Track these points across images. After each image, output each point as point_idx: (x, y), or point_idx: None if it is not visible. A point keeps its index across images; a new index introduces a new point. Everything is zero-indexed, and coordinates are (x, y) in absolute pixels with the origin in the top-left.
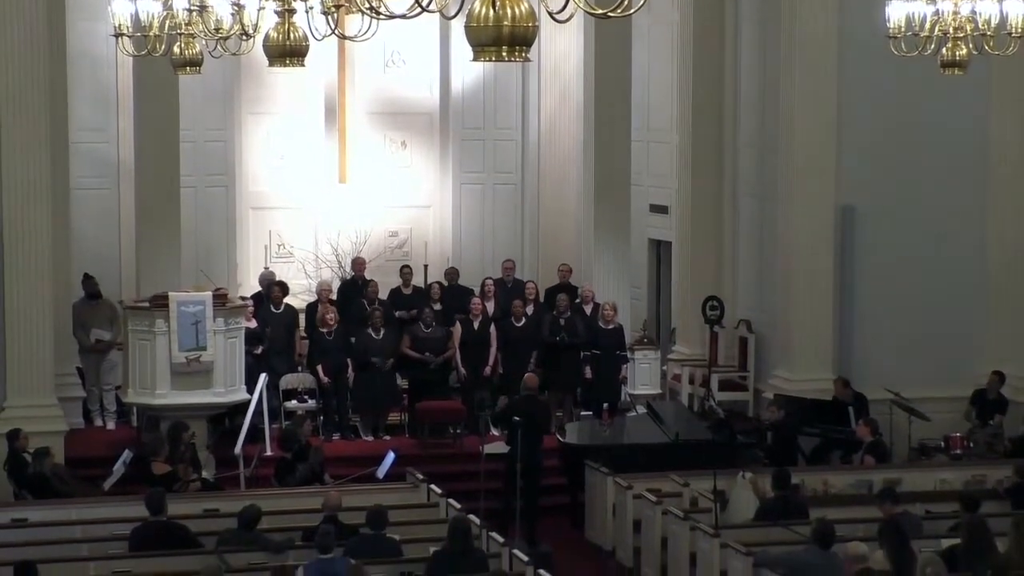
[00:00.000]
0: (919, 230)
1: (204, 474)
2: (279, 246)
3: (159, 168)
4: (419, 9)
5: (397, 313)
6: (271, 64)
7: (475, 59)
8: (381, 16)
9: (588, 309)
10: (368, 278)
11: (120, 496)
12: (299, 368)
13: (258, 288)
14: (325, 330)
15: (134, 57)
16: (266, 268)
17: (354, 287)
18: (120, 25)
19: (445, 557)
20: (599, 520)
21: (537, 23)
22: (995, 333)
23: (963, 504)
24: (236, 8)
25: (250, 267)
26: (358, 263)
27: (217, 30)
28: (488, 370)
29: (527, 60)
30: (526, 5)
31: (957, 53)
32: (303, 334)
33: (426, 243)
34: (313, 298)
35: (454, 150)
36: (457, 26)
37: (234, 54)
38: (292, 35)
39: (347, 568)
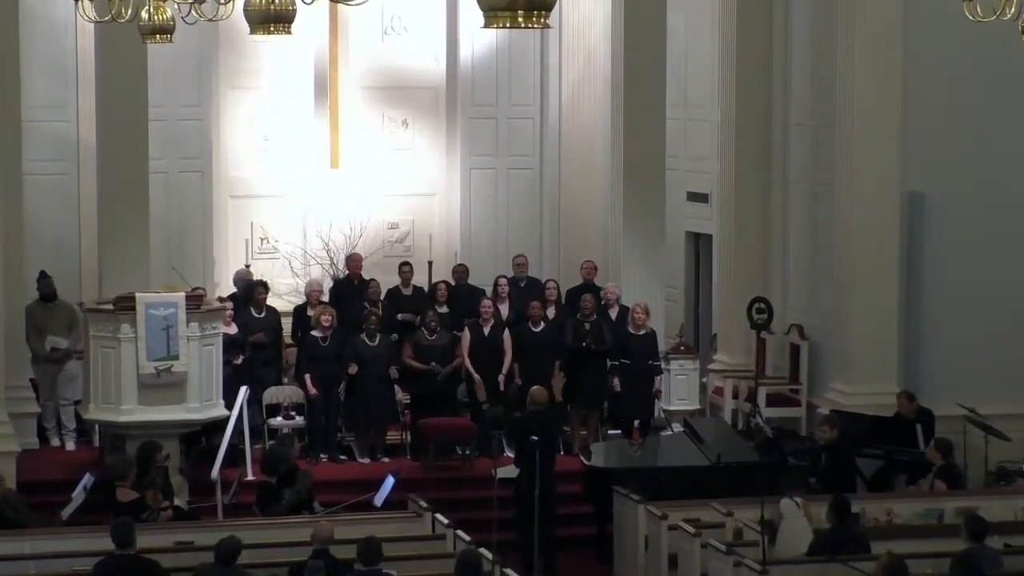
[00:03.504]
0: (997, 220)
1: (177, 501)
2: (262, 240)
3: (125, 150)
4: None
5: (400, 316)
6: (253, 31)
7: (487, 26)
8: None
9: (613, 313)
10: (366, 277)
11: (81, 527)
12: (285, 380)
13: (234, 288)
14: (319, 334)
15: (96, 23)
16: (245, 266)
17: (349, 287)
18: None
19: None
20: (629, 554)
21: None
22: None
23: None
24: None
25: (229, 264)
26: (353, 260)
27: None
28: (502, 380)
29: (547, 27)
30: None
31: None
32: (290, 341)
33: (430, 236)
34: (301, 300)
35: (462, 130)
36: None
37: (211, 20)
38: None
39: None
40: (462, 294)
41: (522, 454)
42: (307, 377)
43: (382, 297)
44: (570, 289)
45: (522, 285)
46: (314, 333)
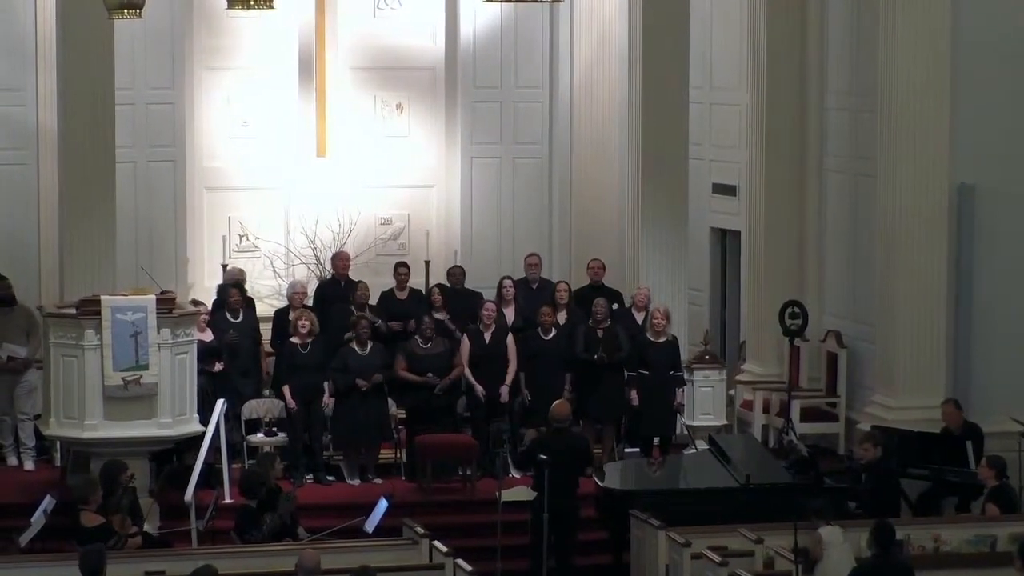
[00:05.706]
0: None
1: (146, 527)
2: (241, 237)
3: (89, 138)
4: None
5: (390, 324)
6: (231, 6)
7: None
8: None
9: (640, 317)
10: (353, 278)
11: (40, 555)
12: (265, 392)
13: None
14: (299, 342)
15: None
16: (227, 264)
17: (335, 289)
18: None
19: None
20: None
21: None
22: None
23: None
24: None
25: (204, 263)
26: (339, 258)
27: None
28: (505, 392)
29: (556, 0)
30: None
31: None
32: (269, 349)
33: (427, 233)
34: (283, 303)
35: (463, 115)
36: None
37: None
38: None
39: None
40: (462, 299)
41: (538, 474)
42: (285, 389)
43: (373, 301)
44: (576, 291)
45: (534, 287)
46: (293, 340)
